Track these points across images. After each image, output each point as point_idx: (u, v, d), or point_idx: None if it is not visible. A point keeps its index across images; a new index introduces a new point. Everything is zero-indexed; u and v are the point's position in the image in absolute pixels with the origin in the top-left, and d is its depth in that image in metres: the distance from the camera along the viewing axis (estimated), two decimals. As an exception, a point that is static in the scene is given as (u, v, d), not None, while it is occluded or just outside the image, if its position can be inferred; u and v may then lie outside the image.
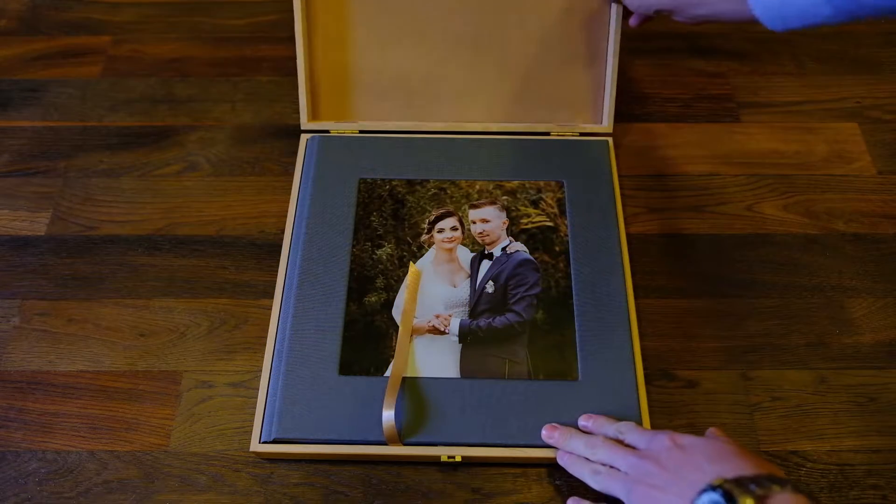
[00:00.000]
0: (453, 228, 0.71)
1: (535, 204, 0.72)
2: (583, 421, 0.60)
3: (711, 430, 0.55)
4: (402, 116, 0.79)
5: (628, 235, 0.73)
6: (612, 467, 0.55)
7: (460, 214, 0.71)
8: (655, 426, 0.62)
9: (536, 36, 0.78)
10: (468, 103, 0.79)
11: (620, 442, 0.56)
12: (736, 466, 0.48)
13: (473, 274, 0.68)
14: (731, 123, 0.83)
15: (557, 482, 0.60)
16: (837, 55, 0.88)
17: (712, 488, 0.46)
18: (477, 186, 0.73)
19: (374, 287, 0.67)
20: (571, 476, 0.57)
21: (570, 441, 0.58)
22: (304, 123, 0.78)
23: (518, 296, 0.67)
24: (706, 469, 0.49)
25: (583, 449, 0.57)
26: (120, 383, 0.66)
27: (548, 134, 0.77)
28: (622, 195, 0.75)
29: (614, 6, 0.74)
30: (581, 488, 0.59)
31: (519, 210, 0.72)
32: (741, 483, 0.46)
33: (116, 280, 0.72)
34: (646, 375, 0.65)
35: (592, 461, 0.56)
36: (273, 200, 0.77)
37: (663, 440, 0.53)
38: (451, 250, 0.69)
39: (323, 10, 0.76)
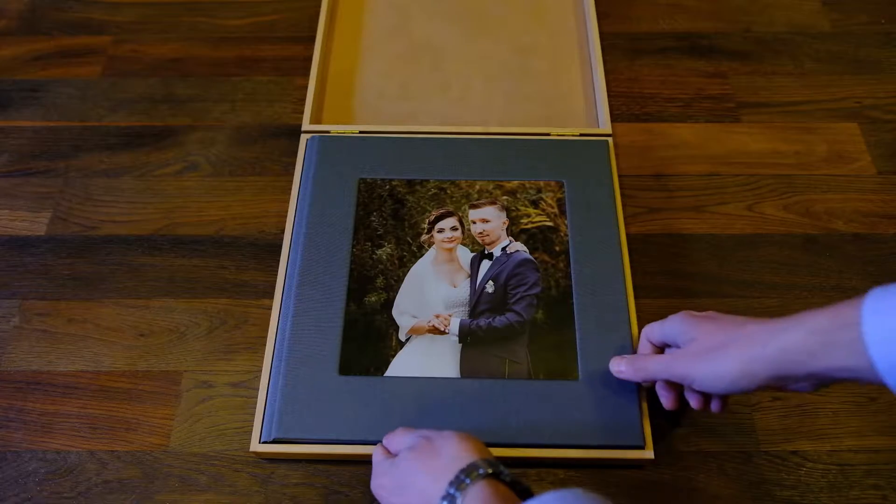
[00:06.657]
0: (453, 228, 0.71)
1: (535, 204, 0.72)
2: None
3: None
4: (402, 123, 0.81)
5: (628, 235, 0.73)
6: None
7: (460, 214, 0.71)
8: (655, 426, 0.62)
9: (524, 50, 0.87)
10: (465, 116, 0.83)
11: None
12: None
13: (473, 274, 0.68)
14: (731, 123, 0.83)
15: (557, 482, 0.60)
16: (837, 55, 0.88)
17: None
18: (477, 186, 0.73)
19: (374, 287, 0.67)
20: (571, 476, 0.57)
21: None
22: (306, 126, 0.78)
23: (518, 296, 0.67)
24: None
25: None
26: (120, 383, 0.66)
27: (547, 134, 0.77)
28: (622, 195, 0.75)
29: (585, 13, 0.82)
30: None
31: (519, 210, 0.72)
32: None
33: (116, 280, 0.72)
34: (646, 375, 0.65)
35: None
36: (273, 200, 0.77)
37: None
38: (451, 250, 0.69)
39: (340, 28, 0.88)
